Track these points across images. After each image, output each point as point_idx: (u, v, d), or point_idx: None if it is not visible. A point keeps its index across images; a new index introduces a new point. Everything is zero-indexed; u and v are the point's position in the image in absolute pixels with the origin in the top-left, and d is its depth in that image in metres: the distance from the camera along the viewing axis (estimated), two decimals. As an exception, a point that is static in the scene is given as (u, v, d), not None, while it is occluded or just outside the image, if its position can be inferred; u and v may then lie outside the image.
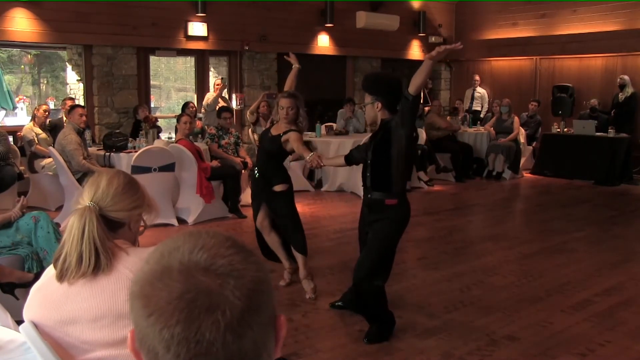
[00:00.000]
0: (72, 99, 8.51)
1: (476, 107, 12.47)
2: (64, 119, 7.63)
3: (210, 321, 0.74)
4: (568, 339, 3.83)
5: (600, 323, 4.10)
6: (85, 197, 1.75)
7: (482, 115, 12.11)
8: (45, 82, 14.92)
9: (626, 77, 10.64)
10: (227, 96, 9.80)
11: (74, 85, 9.65)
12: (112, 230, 1.78)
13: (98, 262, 1.66)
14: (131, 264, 1.70)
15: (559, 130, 10.82)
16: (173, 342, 0.74)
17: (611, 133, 10.10)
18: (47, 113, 7.87)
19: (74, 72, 9.44)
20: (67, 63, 9.75)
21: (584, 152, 10.19)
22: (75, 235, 1.68)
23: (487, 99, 12.56)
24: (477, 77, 12.62)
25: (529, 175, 10.88)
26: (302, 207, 7.92)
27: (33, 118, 7.83)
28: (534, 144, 11.18)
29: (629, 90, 10.63)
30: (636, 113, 10.72)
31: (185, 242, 0.81)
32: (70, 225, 1.70)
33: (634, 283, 4.98)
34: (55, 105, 11.24)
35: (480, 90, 12.62)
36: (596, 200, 8.88)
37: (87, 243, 1.66)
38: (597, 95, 11.11)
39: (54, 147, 6.75)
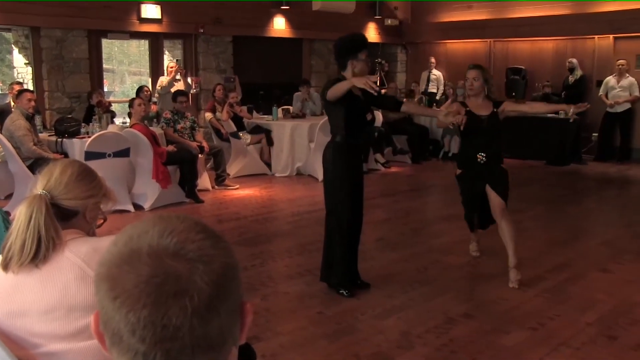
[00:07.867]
0: (20, 84, 8.22)
1: (432, 89, 12.59)
2: (12, 104, 7.38)
3: (177, 306, 0.74)
4: (521, 315, 3.96)
5: (551, 298, 4.25)
6: (38, 185, 1.73)
7: (437, 98, 12.25)
8: (-9, 65, 14.36)
9: (574, 61, 10.93)
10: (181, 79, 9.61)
11: (22, 69, 9.31)
12: (65, 220, 1.75)
13: (38, 251, 1.63)
14: (84, 254, 1.66)
15: (511, 111, 11.02)
16: (139, 326, 0.74)
17: (562, 114, 10.35)
18: None
19: (20, 55, 9.12)
20: (13, 45, 9.40)
21: (536, 133, 10.44)
22: (22, 223, 1.65)
23: (442, 81, 12.69)
24: (432, 60, 12.73)
25: (484, 156, 11.07)
26: (259, 191, 7.92)
27: None
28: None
29: (578, 73, 10.92)
30: (585, 95, 11.00)
31: (154, 226, 0.80)
32: (19, 213, 1.67)
33: (583, 259, 5.17)
34: (1, 90, 10.83)
35: (436, 73, 12.74)
36: (548, 179, 9.14)
37: (31, 231, 1.63)
38: (549, 77, 11.35)
39: (1, 133, 6.53)
